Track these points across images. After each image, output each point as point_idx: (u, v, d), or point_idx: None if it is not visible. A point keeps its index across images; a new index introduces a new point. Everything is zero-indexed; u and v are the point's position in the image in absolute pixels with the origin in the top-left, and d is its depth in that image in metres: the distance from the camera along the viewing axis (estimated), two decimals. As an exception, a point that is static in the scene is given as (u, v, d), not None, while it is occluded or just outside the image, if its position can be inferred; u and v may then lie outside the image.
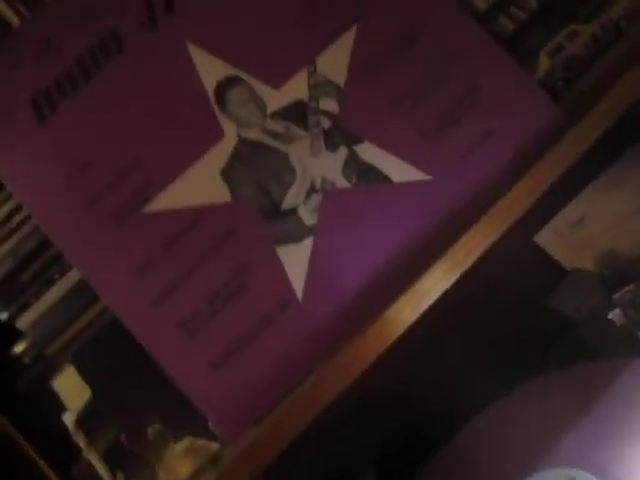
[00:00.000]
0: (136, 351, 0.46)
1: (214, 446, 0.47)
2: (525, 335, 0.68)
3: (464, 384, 0.62)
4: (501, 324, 0.69)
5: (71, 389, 0.52)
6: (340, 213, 0.46)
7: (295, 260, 0.45)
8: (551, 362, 0.64)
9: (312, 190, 0.46)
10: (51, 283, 0.51)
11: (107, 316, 0.50)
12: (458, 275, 0.44)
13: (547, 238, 0.69)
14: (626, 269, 0.60)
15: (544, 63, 0.54)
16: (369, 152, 0.47)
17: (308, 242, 0.46)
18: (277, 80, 0.47)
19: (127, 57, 0.47)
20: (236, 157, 0.46)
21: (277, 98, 0.47)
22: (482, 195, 0.47)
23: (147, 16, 0.47)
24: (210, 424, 0.46)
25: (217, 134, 0.46)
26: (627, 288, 0.54)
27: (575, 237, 0.68)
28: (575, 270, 0.67)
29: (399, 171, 0.47)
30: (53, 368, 0.53)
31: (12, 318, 0.51)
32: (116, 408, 0.50)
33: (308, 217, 0.46)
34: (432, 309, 0.45)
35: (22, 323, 0.51)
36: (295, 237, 0.46)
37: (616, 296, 0.55)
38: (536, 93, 0.50)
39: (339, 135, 0.47)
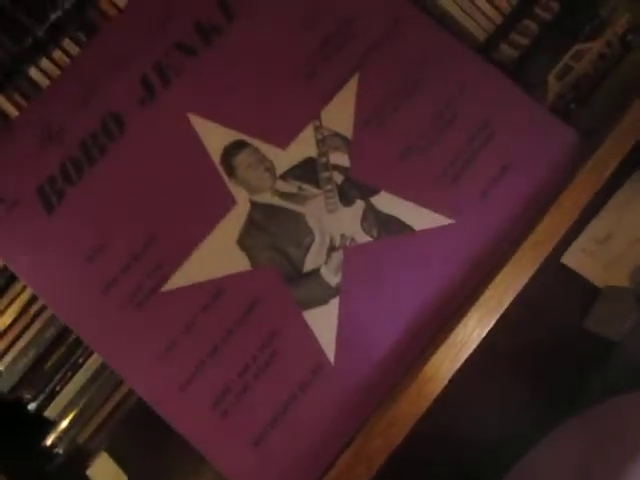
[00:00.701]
0: (169, 430, 0.45)
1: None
2: (565, 362, 0.65)
3: (506, 423, 0.60)
4: (538, 352, 0.67)
5: (107, 476, 0.50)
6: (364, 269, 0.44)
7: (323, 323, 0.44)
8: (596, 388, 0.62)
9: (332, 248, 0.45)
10: (76, 368, 0.50)
11: (136, 395, 0.49)
12: (494, 321, 0.43)
13: (575, 258, 0.67)
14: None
15: (554, 86, 0.52)
16: (386, 202, 0.45)
17: (334, 303, 0.44)
18: (283, 139, 0.46)
19: (130, 136, 0.46)
20: (251, 223, 0.45)
21: (285, 158, 0.46)
22: (509, 233, 0.45)
23: (145, 92, 0.47)
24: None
25: (228, 202, 0.45)
26: (668, 306, 0.52)
27: (604, 254, 0.66)
28: (608, 288, 0.65)
29: (420, 218, 0.45)
30: (86, 456, 0.51)
31: (40, 408, 0.50)
32: (155, 493, 0.49)
33: (332, 277, 0.44)
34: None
35: (50, 412, 0.50)
36: (321, 299, 0.44)
37: (657, 315, 0.52)
38: (549, 120, 0.48)
39: (353, 188, 0.46)
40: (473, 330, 0.42)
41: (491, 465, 0.59)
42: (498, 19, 0.54)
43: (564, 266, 0.67)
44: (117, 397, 0.51)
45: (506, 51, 0.53)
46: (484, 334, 0.43)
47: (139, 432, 0.51)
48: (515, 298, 0.46)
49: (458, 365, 0.42)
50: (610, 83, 0.53)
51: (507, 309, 0.48)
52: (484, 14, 0.54)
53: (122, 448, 0.52)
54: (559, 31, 0.53)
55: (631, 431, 0.51)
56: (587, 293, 0.67)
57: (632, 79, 0.52)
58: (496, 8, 0.54)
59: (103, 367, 0.50)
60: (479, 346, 0.50)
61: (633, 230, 0.66)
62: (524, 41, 0.53)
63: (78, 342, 0.49)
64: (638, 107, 0.46)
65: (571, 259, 0.67)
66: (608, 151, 0.45)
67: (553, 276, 0.68)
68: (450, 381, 0.42)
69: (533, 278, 0.45)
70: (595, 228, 0.67)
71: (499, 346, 0.64)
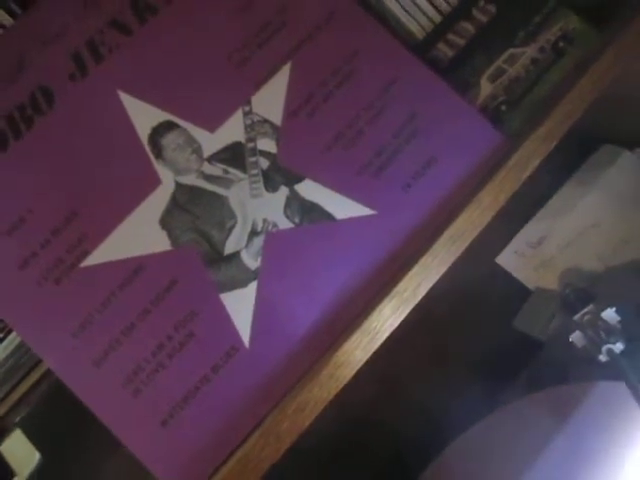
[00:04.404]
0: (85, 411, 0.44)
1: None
2: (494, 359, 0.67)
3: (434, 415, 0.61)
4: (469, 348, 0.68)
5: (19, 453, 0.50)
6: (284, 255, 0.45)
7: (240, 306, 0.44)
8: (520, 387, 0.63)
9: (254, 233, 0.45)
10: (-5, 344, 0.50)
11: (54, 375, 0.48)
12: (407, 311, 0.43)
13: (508, 259, 0.68)
14: (587, 287, 0.60)
15: (486, 88, 0.53)
16: (310, 190, 0.46)
17: (253, 286, 0.44)
18: (213, 123, 0.46)
19: (58, 110, 0.46)
20: (174, 204, 0.45)
21: (213, 141, 0.46)
22: (428, 226, 0.46)
23: (76, 68, 0.47)
24: (163, 483, 0.44)
25: (153, 182, 0.45)
26: (587, 309, 0.53)
27: (536, 256, 0.68)
28: (537, 290, 0.66)
29: (342, 207, 0.46)
30: (1, 432, 0.51)
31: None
32: (66, 472, 0.48)
33: (251, 261, 0.45)
34: (393, 339, 0.44)
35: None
36: (239, 282, 0.44)
37: (576, 317, 0.54)
38: (477, 119, 0.49)
39: (279, 175, 0.46)
40: (387, 319, 0.43)
41: (423, 450, 0.60)
42: (437, 19, 0.55)
43: (499, 266, 0.69)
44: (36, 375, 0.51)
45: (443, 50, 0.54)
46: (397, 324, 0.43)
47: (57, 411, 0.51)
48: (449, 291, 0.47)
49: (370, 353, 0.43)
50: (541, 87, 0.54)
51: (441, 302, 0.49)
52: (424, 13, 0.55)
53: (38, 426, 0.51)
54: (495, 34, 0.55)
55: (551, 421, 0.52)
56: (520, 294, 0.69)
57: (561, 84, 0.53)
58: (436, 8, 0.55)
59: (23, 344, 0.50)
60: (409, 339, 0.50)
61: (565, 235, 0.67)
62: (460, 42, 0.54)
63: (-1, 317, 0.49)
64: (560, 111, 0.47)
65: (505, 260, 0.68)
66: (528, 152, 0.46)
67: (488, 276, 0.69)
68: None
69: (464, 266, 0.46)
70: (529, 231, 0.68)
71: (434, 337, 0.65)
